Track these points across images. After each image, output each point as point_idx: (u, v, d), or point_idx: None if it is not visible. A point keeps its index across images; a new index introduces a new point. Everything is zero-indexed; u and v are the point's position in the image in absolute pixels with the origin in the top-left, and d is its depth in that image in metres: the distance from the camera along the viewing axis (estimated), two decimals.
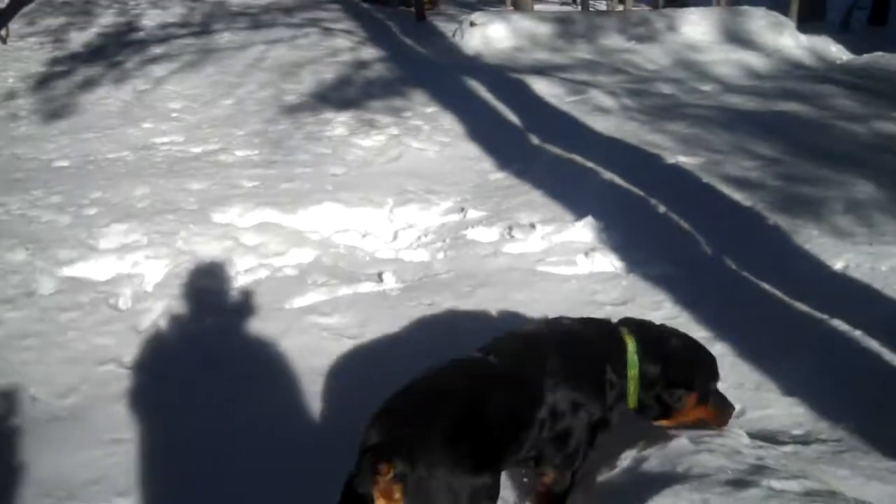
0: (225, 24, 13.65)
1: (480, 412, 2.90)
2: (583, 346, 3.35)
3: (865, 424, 3.69)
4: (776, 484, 2.72)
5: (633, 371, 3.34)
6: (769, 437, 3.69)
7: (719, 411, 3.47)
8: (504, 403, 3.00)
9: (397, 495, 2.61)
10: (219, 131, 8.89)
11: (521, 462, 3.19)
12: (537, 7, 17.40)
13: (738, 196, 6.96)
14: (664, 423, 3.42)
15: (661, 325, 3.62)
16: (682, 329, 4.28)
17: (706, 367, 3.49)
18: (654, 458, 3.03)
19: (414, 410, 2.88)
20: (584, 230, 6.15)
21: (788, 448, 3.53)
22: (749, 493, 2.64)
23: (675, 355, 3.42)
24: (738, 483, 2.72)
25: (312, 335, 4.78)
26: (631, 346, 3.37)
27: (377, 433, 2.77)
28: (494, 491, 2.82)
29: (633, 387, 3.33)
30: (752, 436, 3.52)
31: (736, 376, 4.25)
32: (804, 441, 3.69)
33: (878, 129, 9.51)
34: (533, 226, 6.22)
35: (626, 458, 3.11)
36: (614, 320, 3.58)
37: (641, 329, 3.49)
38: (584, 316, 3.64)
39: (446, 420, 2.81)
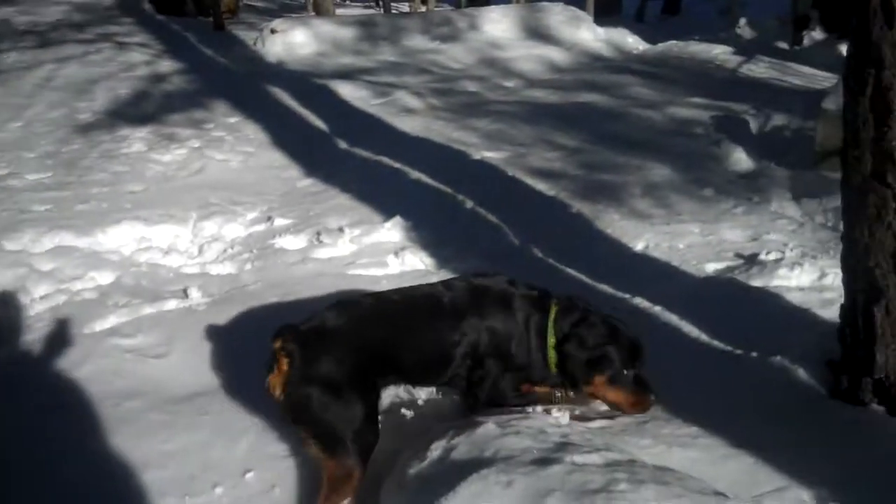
0: (10, 43, 12.92)
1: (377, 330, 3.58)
2: (509, 299, 3.73)
3: (665, 393, 3.84)
4: (579, 458, 2.79)
5: (551, 339, 3.65)
6: (576, 416, 3.77)
7: (632, 397, 3.64)
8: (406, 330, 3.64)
9: (284, 366, 3.38)
10: (7, 155, 8.39)
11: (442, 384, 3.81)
12: (339, 11, 17.36)
13: (542, 186, 7.15)
14: (591, 394, 3.71)
15: (590, 307, 3.82)
16: None
17: (622, 350, 3.62)
18: (463, 446, 3.06)
19: (326, 313, 3.60)
20: (393, 231, 6.17)
21: (595, 424, 3.62)
22: (552, 469, 2.69)
23: (590, 332, 3.64)
24: (543, 461, 2.77)
25: (115, 358, 4.58)
26: (553, 313, 3.68)
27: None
28: (362, 392, 3.43)
29: (552, 354, 3.65)
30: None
31: None
32: (610, 415, 3.80)
33: (673, 114, 9.96)
34: (341, 230, 6.19)
35: (437, 449, 3.12)
36: None
37: (569, 302, 3.76)
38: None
39: (344, 324, 3.53)
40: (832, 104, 6.85)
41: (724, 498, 2.61)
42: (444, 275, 5.48)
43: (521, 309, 3.70)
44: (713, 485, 2.84)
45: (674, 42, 15.75)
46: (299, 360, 3.38)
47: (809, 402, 3.71)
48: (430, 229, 6.19)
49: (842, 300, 3.72)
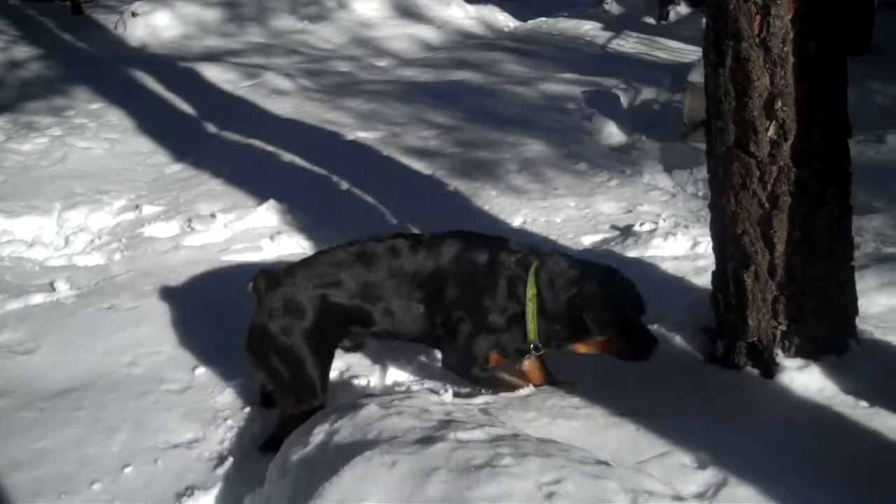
0: None
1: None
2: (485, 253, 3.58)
3: (550, 363, 3.87)
4: (462, 435, 2.77)
5: (530, 292, 3.46)
6: (461, 393, 3.76)
7: (633, 344, 3.45)
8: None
9: (255, 304, 3.62)
10: None
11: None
12: None
13: (418, 165, 7.12)
14: (577, 349, 3.52)
15: (571, 257, 3.68)
16: None
17: (618, 297, 3.44)
18: (346, 429, 2.99)
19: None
20: (267, 214, 6.04)
21: (479, 400, 3.61)
22: (436, 448, 2.66)
23: (584, 282, 3.44)
24: (427, 440, 2.74)
25: None
26: (533, 268, 3.49)
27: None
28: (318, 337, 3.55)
29: (531, 307, 3.45)
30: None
31: None
32: (493, 392, 3.79)
33: (545, 90, 10.07)
34: (214, 215, 6.03)
35: (320, 433, 3.05)
36: None
37: (552, 257, 3.59)
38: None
39: (316, 271, 3.62)
40: (697, 77, 7.00)
41: (607, 466, 2.62)
42: None
43: (499, 263, 3.56)
44: (597, 454, 2.85)
45: (543, 19, 15.91)
46: (264, 297, 3.59)
47: (687, 368, 3.78)
48: (305, 212, 6.09)
49: (714, 267, 3.80)
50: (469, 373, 3.65)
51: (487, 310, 3.53)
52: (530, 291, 3.46)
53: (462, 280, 3.54)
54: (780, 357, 3.54)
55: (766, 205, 3.40)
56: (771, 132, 3.33)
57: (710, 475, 2.87)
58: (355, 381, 4.03)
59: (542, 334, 3.48)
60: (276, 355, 3.54)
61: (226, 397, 3.93)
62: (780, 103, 3.28)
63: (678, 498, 2.46)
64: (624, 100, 9.92)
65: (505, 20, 15.67)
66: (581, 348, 3.50)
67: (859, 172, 5.34)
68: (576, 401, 3.54)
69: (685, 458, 3.00)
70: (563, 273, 3.46)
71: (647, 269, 4.81)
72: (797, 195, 3.36)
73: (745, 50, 3.28)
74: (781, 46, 3.23)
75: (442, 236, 3.68)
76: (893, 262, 4.49)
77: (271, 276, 3.66)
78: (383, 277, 3.59)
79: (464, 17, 15.03)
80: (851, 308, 3.68)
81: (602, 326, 3.37)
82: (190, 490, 3.34)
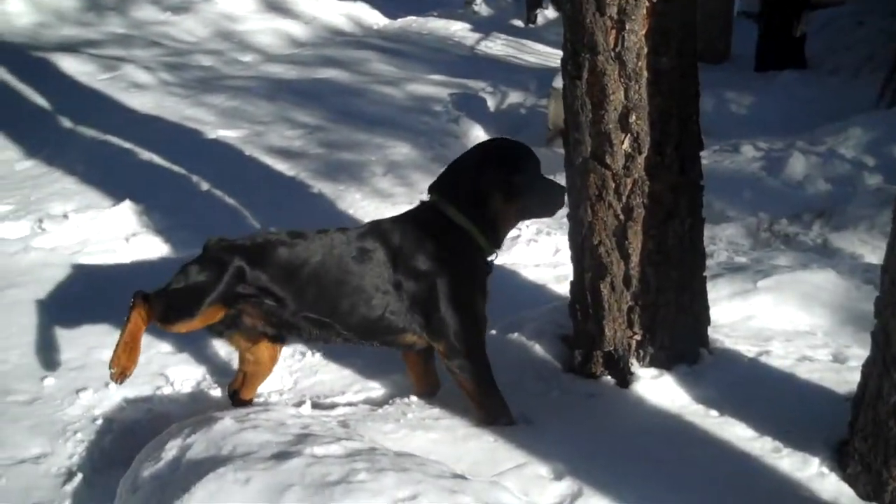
0: None
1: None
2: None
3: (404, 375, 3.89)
4: (319, 450, 2.74)
5: (450, 210, 3.47)
6: (321, 405, 3.72)
7: (538, 197, 3.53)
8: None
9: None
10: None
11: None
12: None
13: (281, 166, 7.03)
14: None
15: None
16: None
17: (495, 160, 3.49)
18: (199, 444, 2.92)
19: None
20: (123, 215, 5.81)
21: (338, 412, 3.58)
22: (291, 463, 2.62)
23: (455, 169, 3.59)
24: (282, 455, 2.70)
25: None
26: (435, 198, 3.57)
27: None
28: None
29: (463, 221, 3.45)
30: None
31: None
32: (353, 403, 3.76)
33: (412, 91, 10.10)
34: (66, 216, 5.77)
35: (172, 448, 2.96)
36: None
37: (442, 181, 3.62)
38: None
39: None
40: (561, 83, 7.12)
41: (463, 480, 2.63)
42: (182, 261, 5.25)
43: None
44: (454, 466, 2.86)
45: (413, 18, 15.97)
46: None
47: (546, 376, 3.82)
48: (163, 213, 5.90)
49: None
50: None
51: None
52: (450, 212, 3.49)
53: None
54: (636, 366, 3.61)
55: (622, 216, 3.47)
56: (626, 145, 3.39)
57: (565, 486, 2.90)
58: (212, 393, 3.93)
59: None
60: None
61: (76, 409, 3.77)
62: (634, 117, 3.34)
63: None
64: (491, 103, 10.03)
65: (374, 18, 15.64)
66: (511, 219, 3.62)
67: (714, 182, 5.56)
68: (436, 412, 3.54)
69: (542, 469, 3.02)
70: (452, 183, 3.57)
71: (509, 275, 4.87)
72: (651, 207, 3.44)
73: (600, 63, 3.33)
74: (636, 61, 3.30)
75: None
76: (745, 272, 4.65)
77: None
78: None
79: (333, 13, 14.91)
80: (703, 318, 3.79)
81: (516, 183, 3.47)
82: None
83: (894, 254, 2.80)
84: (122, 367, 3.31)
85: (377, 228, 3.52)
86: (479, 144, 3.72)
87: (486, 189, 3.43)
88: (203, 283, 3.34)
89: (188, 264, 3.45)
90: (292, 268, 3.40)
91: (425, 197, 3.65)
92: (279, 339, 3.62)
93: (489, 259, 3.54)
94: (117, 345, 3.33)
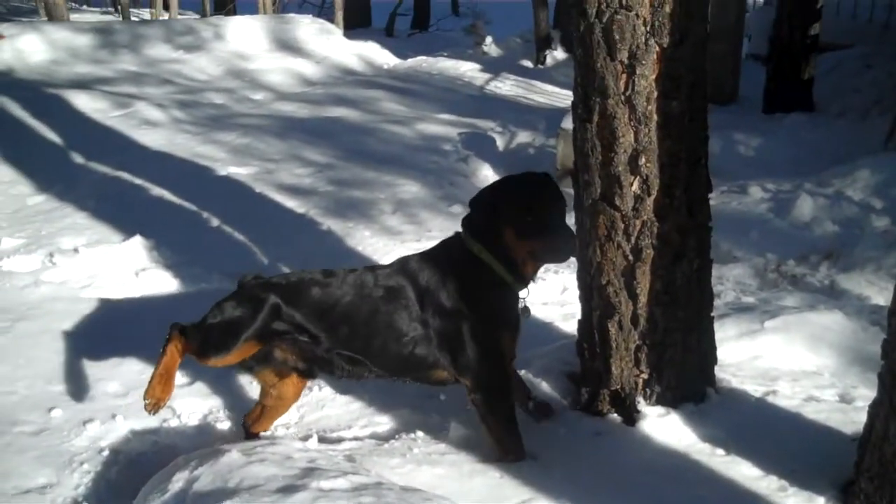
0: None
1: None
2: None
3: (411, 411, 3.90)
4: (325, 484, 2.74)
5: (475, 246, 3.45)
6: (327, 439, 3.73)
7: (546, 242, 3.35)
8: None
9: None
10: None
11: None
12: (74, 17, 16.49)
13: (291, 203, 7.07)
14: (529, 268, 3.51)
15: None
16: None
17: (511, 196, 3.42)
18: (206, 477, 2.93)
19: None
20: (133, 250, 5.84)
21: (344, 446, 3.59)
22: (297, 497, 2.63)
23: (476, 202, 3.53)
24: (288, 489, 2.71)
25: None
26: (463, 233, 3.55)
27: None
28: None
29: (486, 257, 3.43)
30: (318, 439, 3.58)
31: None
32: (359, 437, 3.77)
33: (421, 130, 10.17)
34: (77, 250, 5.81)
35: (179, 481, 2.97)
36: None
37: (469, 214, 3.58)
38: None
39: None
40: (569, 124, 7.16)
41: None
42: (191, 296, 5.30)
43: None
44: (460, 502, 2.87)
45: (423, 58, 16.12)
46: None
47: (553, 414, 3.83)
48: (173, 248, 5.94)
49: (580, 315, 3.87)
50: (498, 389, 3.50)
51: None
52: (475, 248, 3.48)
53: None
54: (642, 405, 3.62)
55: (630, 257, 3.49)
56: (635, 187, 3.42)
57: None
58: (219, 426, 3.94)
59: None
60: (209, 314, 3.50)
61: (83, 440, 3.78)
62: (643, 160, 3.37)
63: None
64: (500, 142, 10.09)
65: (384, 57, 15.78)
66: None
67: (722, 222, 5.58)
68: (442, 447, 3.56)
69: None
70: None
71: None
72: (659, 248, 3.46)
73: (611, 107, 3.37)
74: (646, 105, 3.33)
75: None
76: (752, 312, 4.66)
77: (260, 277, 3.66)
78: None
79: (343, 52, 15.07)
80: (710, 357, 3.80)
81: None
82: None
83: None
84: (156, 399, 3.34)
85: (404, 266, 3.55)
86: (506, 177, 3.68)
87: (499, 224, 3.39)
88: (239, 319, 3.40)
89: (224, 300, 3.50)
90: (325, 306, 3.46)
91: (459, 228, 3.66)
92: (310, 375, 3.65)
93: (519, 294, 3.53)
94: (152, 376, 3.38)
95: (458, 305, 3.42)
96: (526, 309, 3.58)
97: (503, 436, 3.45)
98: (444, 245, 3.63)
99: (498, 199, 3.44)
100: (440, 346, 3.43)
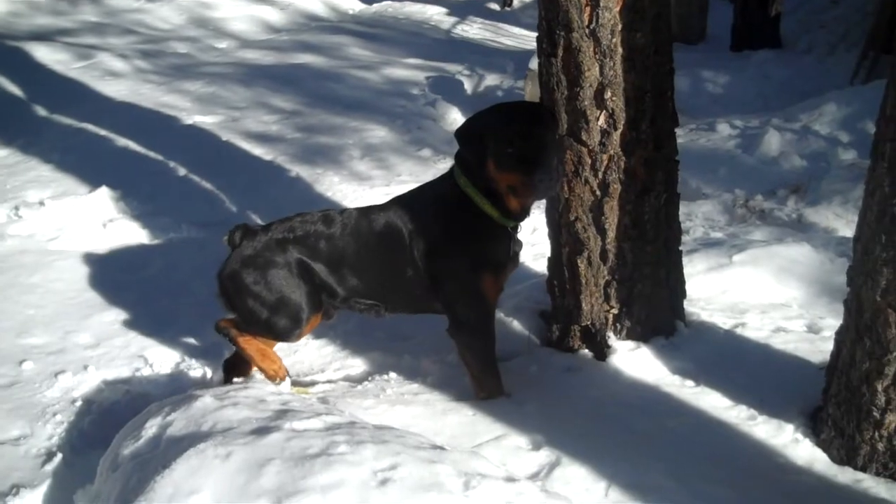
0: None
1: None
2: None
3: (389, 350, 3.90)
4: (298, 425, 2.74)
5: (461, 180, 3.39)
6: (301, 383, 3.74)
7: (524, 176, 3.16)
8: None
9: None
10: None
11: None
12: None
13: (258, 151, 7.01)
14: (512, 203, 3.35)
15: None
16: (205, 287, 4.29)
17: (495, 126, 3.26)
18: (179, 421, 2.92)
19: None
20: (99, 202, 5.77)
21: (318, 388, 3.60)
22: (271, 438, 2.63)
23: (460, 132, 3.42)
24: (262, 430, 2.70)
25: None
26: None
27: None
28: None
29: (472, 192, 3.36)
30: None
31: None
32: (333, 380, 3.79)
33: (388, 75, 10.08)
34: (42, 203, 5.73)
35: (152, 427, 2.96)
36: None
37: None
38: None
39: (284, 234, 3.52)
40: (537, 63, 7.14)
41: (442, 450, 2.64)
42: (160, 246, 5.26)
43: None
44: (434, 439, 2.88)
45: (389, 2, 15.93)
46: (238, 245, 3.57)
47: (525, 351, 3.85)
48: (140, 199, 5.88)
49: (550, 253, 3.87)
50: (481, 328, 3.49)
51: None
52: (461, 181, 3.41)
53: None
54: (613, 340, 3.64)
55: (598, 192, 3.49)
56: (601, 122, 3.41)
57: (543, 456, 2.93)
58: (191, 373, 3.94)
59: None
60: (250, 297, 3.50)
61: (55, 392, 3.77)
62: (609, 93, 3.36)
63: (510, 479, 2.50)
64: (468, 86, 10.03)
65: (350, 3, 15.57)
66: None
67: (691, 159, 5.60)
68: (415, 387, 3.59)
69: (520, 441, 3.06)
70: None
71: None
72: (626, 182, 3.46)
73: (575, 40, 3.34)
74: (610, 38, 3.31)
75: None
76: (721, 247, 4.69)
77: (248, 228, 3.62)
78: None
79: None
80: (679, 291, 3.83)
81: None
82: (16, 489, 3.18)
83: (866, 224, 2.84)
84: (275, 371, 3.55)
85: (395, 207, 3.53)
86: (496, 105, 3.46)
87: (483, 155, 3.27)
88: (290, 295, 3.48)
89: (252, 268, 3.50)
90: (335, 260, 3.49)
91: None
92: (328, 317, 3.69)
93: (510, 228, 3.44)
94: (257, 365, 3.59)
95: (442, 243, 3.40)
96: (518, 242, 3.52)
97: (481, 374, 3.48)
98: (435, 181, 3.61)
99: (484, 129, 3.30)
100: (430, 284, 3.44)
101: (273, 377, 3.50)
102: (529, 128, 3.24)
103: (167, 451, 2.74)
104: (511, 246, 3.47)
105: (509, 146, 3.18)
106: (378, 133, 7.63)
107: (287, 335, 3.52)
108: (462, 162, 3.43)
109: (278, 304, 3.45)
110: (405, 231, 3.43)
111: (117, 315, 4.40)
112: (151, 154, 6.77)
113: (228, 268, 3.53)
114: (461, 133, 3.43)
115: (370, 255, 3.48)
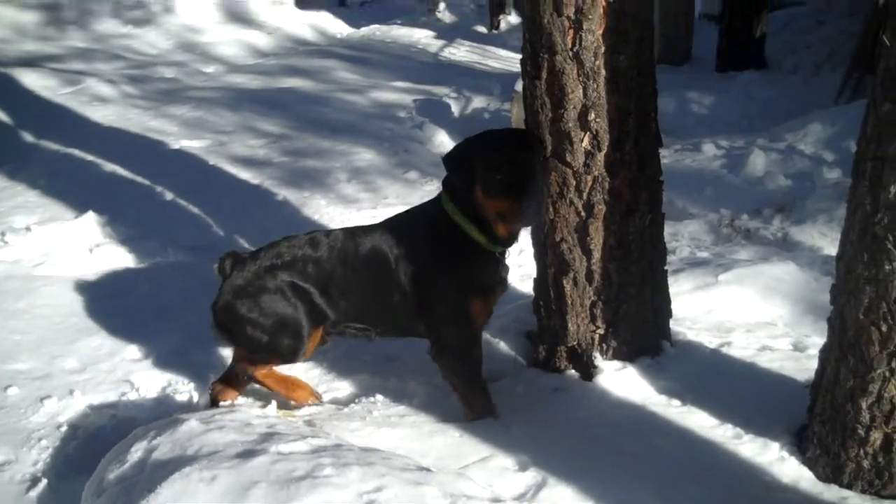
0: None
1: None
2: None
3: (369, 375, 3.93)
4: (284, 447, 2.75)
5: (449, 206, 3.39)
6: (287, 406, 3.73)
7: (511, 203, 3.17)
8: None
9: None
10: None
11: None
12: None
13: (245, 175, 7.02)
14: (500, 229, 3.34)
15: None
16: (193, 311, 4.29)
17: (483, 152, 3.28)
18: (165, 445, 2.92)
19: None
20: (86, 227, 5.76)
21: (304, 411, 3.59)
22: (257, 461, 2.63)
23: (450, 158, 3.42)
24: (247, 454, 2.70)
25: None
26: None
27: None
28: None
29: (459, 218, 3.35)
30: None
31: None
32: (320, 404, 3.77)
33: (375, 98, 10.13)
34: (29, 228, 5.73)
35: (137, 451, 2.95)
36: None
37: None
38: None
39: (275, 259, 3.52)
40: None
41: (428, 472, 2.65)
42: (147, 270, 5.24)
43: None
44: (420, 461, 2.88)
45: (377, 26, 16.03)
46: (229, 276, 3.56)
47: (511, 372, 3.85)
48: (127, 224, 5.87)
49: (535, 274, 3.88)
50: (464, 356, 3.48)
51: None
52: (448, 206, 3.41)
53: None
54: (599, 360, 3.64)
55: (583, 213, 3.50)
56: (585, 143, 3.42)
57: (530, 476, 2.93)
58: (177, 397, 3.93)
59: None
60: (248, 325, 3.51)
61: (40, 417, 3.74)
62: (593, 115, 3.37)
63: (496, 500, 2.51)
64: (455, 108, 10.08)
65: (338, 27, 15.64)
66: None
67: (677, 180, 5.62)
68: (402, 409, 3.58)
69: (507, 461, 3.05)
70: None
71: None
72: (611, 203, 3.47)
73: (559, 63, 3.36)
74: (593, 60, 3.33)
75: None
76: (707, 266, 4.71)
77: (236, 254, 3.64)
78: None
79: (296, 23, 14.92)
80: (665, 311, 3.83)
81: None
82: None
83: (849, 242, 2.86)
84: (305, 396, 3.66)
85: (382, 230, 3.54)
86: (484, 132, 3.50)
87: (471, 181, 3.27)
88: (286, 316, 3.48)
89: (247, 296, 3.50)
90: (323, 283, 3.49)
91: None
92: (323, 342, 3.70)
93: (497, 254, 3.45)
94: (289, 397, 3.68)
95: (429, 268, 3.41)
96: (505, 267, 3.54)
97: (468, 396, 3.48)
98: (423, 205, 3.61)
99: (472, 155, 3.31)
100: (417, 308, 3.44)
101: (304, 401, 3.60)
102: (518, 154, 3.25)
103: (152, 475, 2.74)
104: (499, 271, 3.48)
105: (498, 173, 3.19)
106: (365, 156, 7.66)
107: (293, 354, 3.53)
108: (450, 187, 3.44)
109: (277, 325, 3.46)
110: (391, 254, 3.44)
111: (103, 339, 4.38)
112: (138, 179, 6.77)
113: (221, 300, 3.54)
114: (449, 158, 3.43)
115: (357, 281, 3.49)
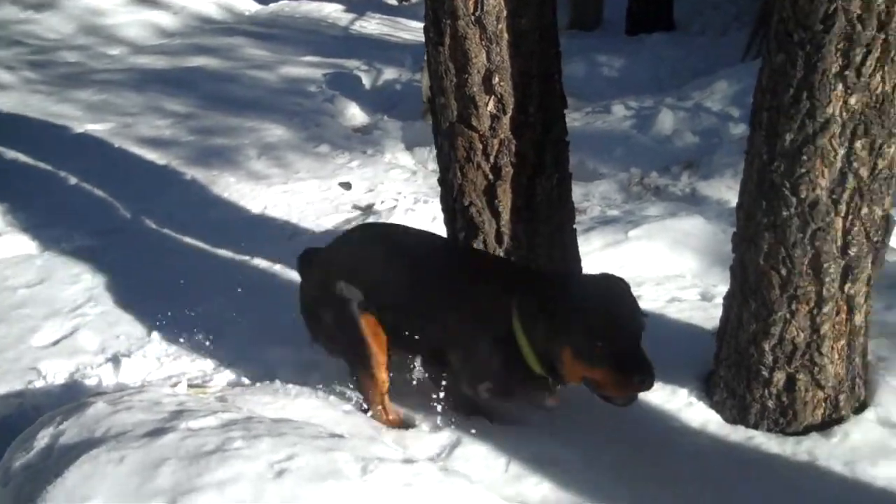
0: None
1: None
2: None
3: (294, 346, 3.86)
4: (194, 424, 2.70)
5: (521, 337, 2.88)
6: (197, 384, 3.67)
7: (611, 374, 2.70)
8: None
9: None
10: None
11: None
12: None
13: (152, 156, 6.89)
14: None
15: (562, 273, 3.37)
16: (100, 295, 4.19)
17: (587, 317, 2.73)
18: (72, 430, 2.84)
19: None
20: None
21: (214, 388, 3.54)
22: (166, 438, 2.58)
23: (550, 304, 2.82)
24: (157, 432, 2.65)
25: None
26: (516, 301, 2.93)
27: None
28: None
29: (524, 344, 2.88)
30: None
31: None
32: (231, 382, 3.72)
33: (285, 74, 10.02)
34: None
35: (44, 437, 2.86)
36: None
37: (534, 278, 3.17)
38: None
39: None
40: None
41: (340, 438, 2.64)
42: (49, 257, 5.11)
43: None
44: (334, 429, 2.86)
45: (286, 2, 15.81)
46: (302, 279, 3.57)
47: None
48: (30, 211, 5.70)
49: None
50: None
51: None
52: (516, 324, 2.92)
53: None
54: None
55: (490, 176, 3.50)
56: (490, 107, 3.42)
57: (444, 437, 2.97)
58: (86, 381, 3.83)
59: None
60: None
61: None
62: (497, 79, 3.37)
63: (409, 461, 2.51)
64: (366, 81, 10.02)
65: (245, 4, 15.37)
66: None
67: (587, 141, 5.68)
68: (315, 380, 3.54)
69: (422, 425, 3.07)
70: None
71: None
72: (518, 165, 3.48)
73: (461, 28, 3.34)
74: (496, 24, 3.31)
75: None
76: (616, 223, 4.78)
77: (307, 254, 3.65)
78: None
79: (202, 1, 14.61)
80: (575, 270, 3.87)
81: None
82: None
83: (747, 191, 2.93)
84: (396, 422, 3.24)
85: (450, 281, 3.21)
86: (579, 279, 3.31)
87: (556, 332, 2.79)
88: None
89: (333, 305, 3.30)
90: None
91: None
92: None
93: (539, 377, 2.95)
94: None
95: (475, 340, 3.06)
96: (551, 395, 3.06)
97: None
98: (487, 311, 3.06)
99: (562, 312, 2.79)
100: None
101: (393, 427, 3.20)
102: (623, 313, 2.82)
103: (60, 459, 2.67)
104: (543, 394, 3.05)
105: (599, 339, 2.70)
106: (275, 132, 7.57)
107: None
108: (529, 320, 2.90)
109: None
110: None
111: (9, 328, 4.26)
112: (41, 165, 6.59)
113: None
114: (553, 303, 2.86)
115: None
